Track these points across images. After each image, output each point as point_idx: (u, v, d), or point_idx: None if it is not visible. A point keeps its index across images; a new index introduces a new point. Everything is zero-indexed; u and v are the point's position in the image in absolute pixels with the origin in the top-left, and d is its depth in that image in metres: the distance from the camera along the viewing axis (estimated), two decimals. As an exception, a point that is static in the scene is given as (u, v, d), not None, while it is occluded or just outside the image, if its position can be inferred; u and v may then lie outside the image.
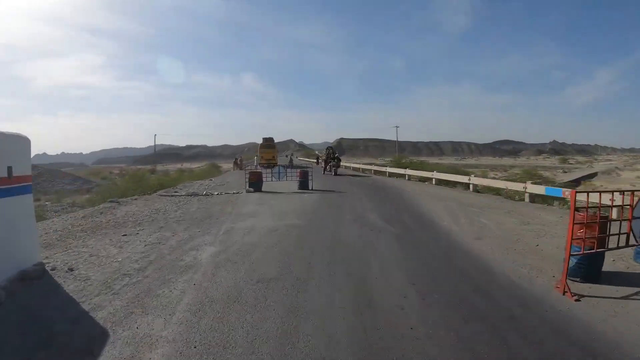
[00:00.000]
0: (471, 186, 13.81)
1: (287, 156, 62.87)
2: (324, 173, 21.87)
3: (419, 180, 18.53)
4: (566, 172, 58.00)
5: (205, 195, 13.19)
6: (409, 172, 19.26)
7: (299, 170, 14.45)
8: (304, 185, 13.74)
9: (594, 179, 56.36)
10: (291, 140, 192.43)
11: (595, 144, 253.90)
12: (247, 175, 13.77)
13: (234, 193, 13.34)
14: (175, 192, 15.40)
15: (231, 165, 41.04)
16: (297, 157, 61.43)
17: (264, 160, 29.92)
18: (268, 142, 31.89)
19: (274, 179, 14.34)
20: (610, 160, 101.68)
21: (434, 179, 16.67)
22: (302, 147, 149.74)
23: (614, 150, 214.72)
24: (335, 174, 21.04)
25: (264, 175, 14.02)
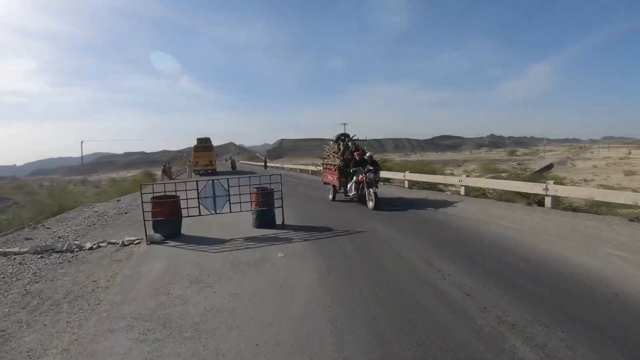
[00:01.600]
0: (548, 199, 8.22)
1: (227, 160, 54.70)
2: (332, 199, 10.54)
3: (424, 188, 13.03)
4: (520, 165, 56.95)
5: (65, 252, 6.16)
6: (408, 176, 13.40)
7: (254, 189, 7.35)
8: (265, 218, 7.10)
9: (551, 170, 55.98)
10: (231, 143, 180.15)
11: (531, 136, 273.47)
12: (150, 206, 6.79)
13: (123, 245, 6.43)
14: (27, 238, 8.08)
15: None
16: (239, 161, 53.31)
17: (199, 167, 24.00)
18: (203, 144, 24.85)
19: (205, 206, 7.21)
20: (552, 150, 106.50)
21: (462, 188, 10.95)
22: (242, 150, 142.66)
23: (549, 141, 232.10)
24: (376, 204, 8.74)
25: (186, 201, 7.06)
